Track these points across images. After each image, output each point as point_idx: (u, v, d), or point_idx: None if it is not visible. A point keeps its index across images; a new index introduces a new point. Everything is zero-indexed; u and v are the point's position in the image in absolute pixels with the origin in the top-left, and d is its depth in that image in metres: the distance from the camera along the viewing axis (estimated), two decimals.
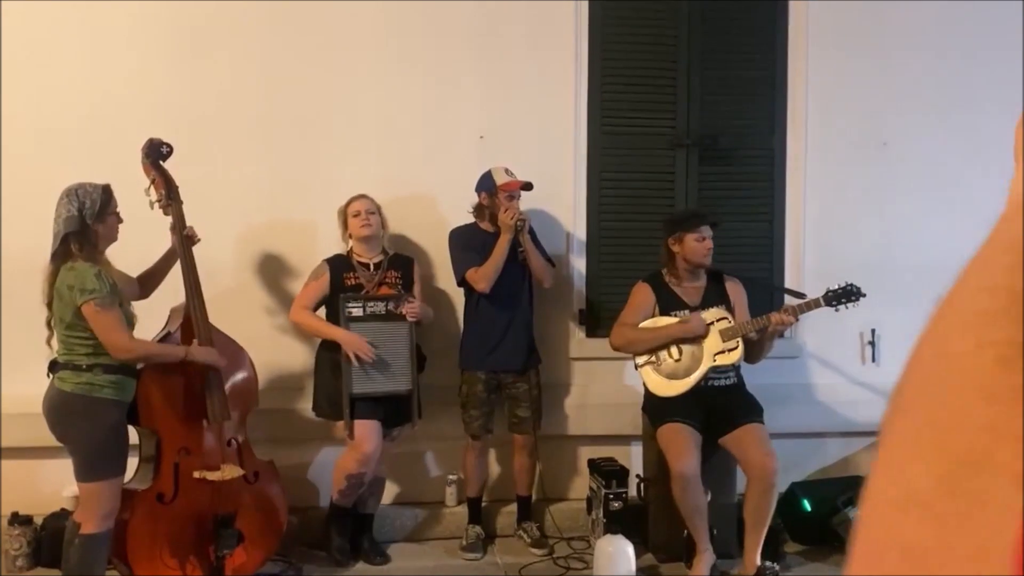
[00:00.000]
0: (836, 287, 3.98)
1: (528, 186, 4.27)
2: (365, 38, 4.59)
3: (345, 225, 4.22)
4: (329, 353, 4.11)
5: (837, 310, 3.99)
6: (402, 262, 4.31)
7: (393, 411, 4.14)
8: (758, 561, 3.94)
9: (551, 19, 4.71)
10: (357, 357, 3.96)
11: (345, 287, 4.11)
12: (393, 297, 4.13)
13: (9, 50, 4.28)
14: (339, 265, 4.17)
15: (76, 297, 3.24)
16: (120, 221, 3.48)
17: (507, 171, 4.27)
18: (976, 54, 5.01)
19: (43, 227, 3.39)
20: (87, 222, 3.32)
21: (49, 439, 3.41)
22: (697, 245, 4.10)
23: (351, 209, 4.19)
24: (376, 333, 4.05)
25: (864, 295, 3.98)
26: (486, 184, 4.29)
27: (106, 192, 3.40)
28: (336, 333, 4.02)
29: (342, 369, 3.99)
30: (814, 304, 3.99)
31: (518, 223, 4.16)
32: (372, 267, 4.20)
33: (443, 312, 4.61)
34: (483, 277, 4.18)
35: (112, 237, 3.46)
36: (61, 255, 3.32)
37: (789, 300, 4.28)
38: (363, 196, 4.22)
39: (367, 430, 4.03)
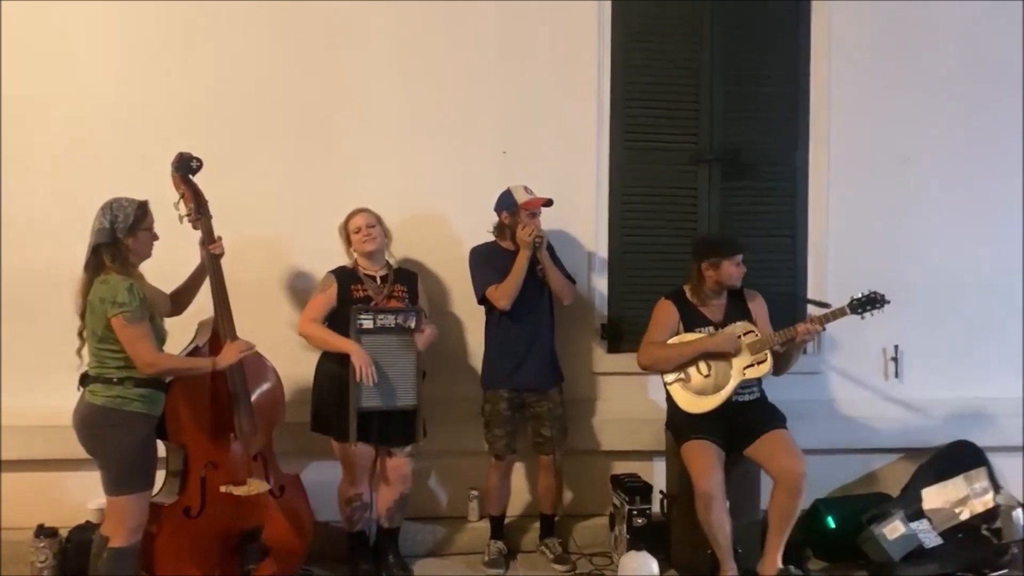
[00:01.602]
0: (860, 295, 4.00)
1: (549, 203, 4.27)
2: (386, 54, 4.62)
3: (348, 241, 4.20)
4: (334, 368, 4.08)
5: (863, 317, 3.99)
6: (407, 276, 4.30)
7: (399, 428, 4.12)
8: (779, 563, 3.92)
9: (573, 35, 4.74)
10: (363, 374, 3.94)
11: (354, 299, 4.09)
12: (402, 310, 4.12)
13: (41, 60, 4.36)
14: (346, 277, 4.16)
15: (107, 310, 3.26)
16: (155, 238, 3.49)
17: (526, 189, 4.28)
18: (998, 71, 5.02)
19: (74, 240, 3.42)
20: (118, 236, 3.34)
21: (76, 451, 3.41)
22: (734, 270, 4.11)
23: (351, 225, 4.18)
24: (385, 346, 4.05)
25: (888, 302, 3.99)
26: (507, 203, 4.29)
27: (141, 208, 3.42)
28: (345, 345, 4.00)
29: (350, 384, 3.97)
30: (839, 312, 3.99)
31: (536, 240, 4.17)
32: (379, 280, 4.19)
33: (462, 327, 4.62)
34: (503, 295, 4.18)
35: (145, 253, 3.48)
36: (94, 267, 3.35)
37: (813, 311, 4.27)
38: (362, 210, 4.20)
39: (357, 452, 4.06)
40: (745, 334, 4.04)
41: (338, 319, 4.09)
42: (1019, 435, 4.86)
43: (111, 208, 3.36)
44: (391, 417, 4.08)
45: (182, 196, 3.68)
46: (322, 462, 4.39)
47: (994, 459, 4.65)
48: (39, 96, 4.39)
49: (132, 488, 3.34)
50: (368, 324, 4.04)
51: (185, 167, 3.68)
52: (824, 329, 4.02)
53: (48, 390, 3.86)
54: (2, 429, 4.25)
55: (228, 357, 3.55)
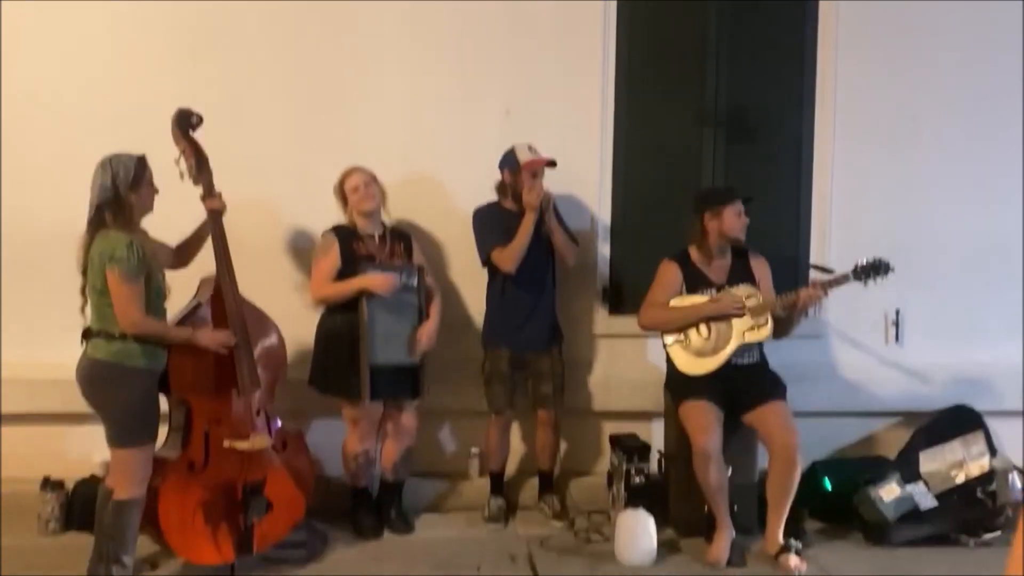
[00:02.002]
0: (864, 261, 3.96)
1: (552, 163, 4.24)
2: (390, 11, 4.57)
3: (344, 201, 4.17)
4: (336, 325, 4.07)
5: (866, 284, 3.96)
6: (402, 235, 4.30)
7: (405, 384, 4.16)
8: (780, 539, 3.97)
9: None
10: (375, 328, 3.96)
11: (358, 256, 4.08)
12: (406, 268, 4.13)
13: (38, 21, 4.34)
14: (346, 235, 4.13)
15: (105, 263, 3.28)
16: (155, 192, 3.50)
17: (530, 148, 4.24)
18: (1004, 35, 4.96)
19: (76, 196, 3.42)
20: (120, 192, 3.35)
21: (79, 405, 3.46)
22: (735, 219, 4.07)
23: (348, 185, 4.14)
24: (392, 304, 4.07)
25: (893, 269, 3.95)
26: (509, 162, 4.26)
27: (140, 162, 3.42)
28: (359, 281, 3.97)
29: (361, 342, 3.98)
30: (843, 279, 3.97)
31: (543, 202, 4.15)
32: (377, 238, 4.18)
33: (464, 288, 4.63)
34: (509, 258, 4.18)
35: (147, 207, 3.49)
36: (96, 223, 3.36)
37: (817, 276, 4.27)
38: (357, 168, 4.17)
39: (366, 409, 4.10)
40: (747, 297, 4.04)
41: (342, 277, 4.07)
42: (1017, 400, 4.88)
43: (111, 164, 3.36)
44: (398, 373, 4.12)
45: (182, 152, 3.67)
46: (325, 419, 4.44)
47: (992, 423, 4.67)
48: (39, 52, 4.37)
49: (135, 441, 3.38)
50: None
51: (185, 122, 3.67)
52: (827, 295, 4.01)
53: (52, 344, 3.89)
54: (4, 383, 4.29)
55: (207, 338, 3.54)
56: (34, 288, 4.32)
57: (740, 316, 4.01)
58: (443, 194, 4.63)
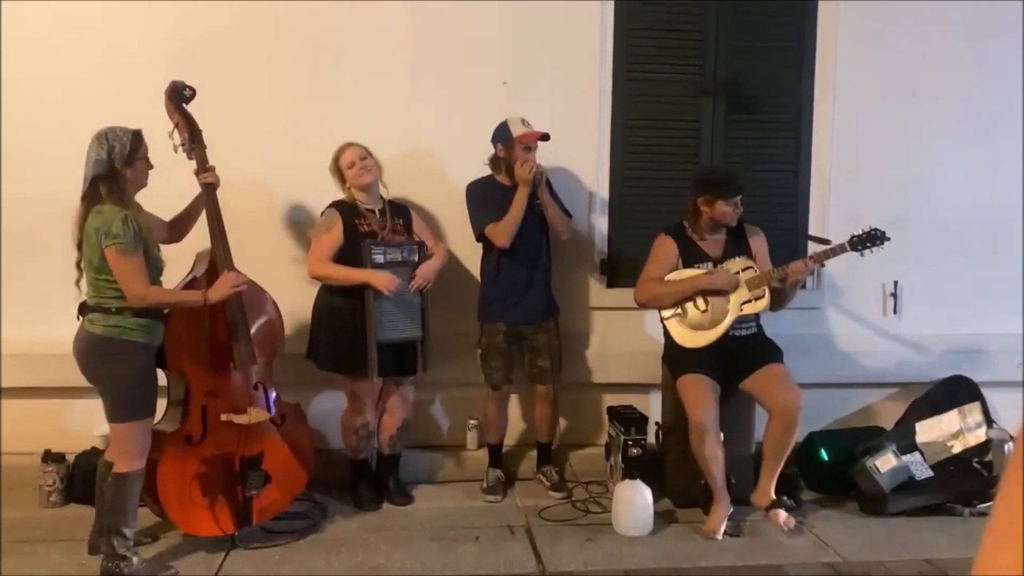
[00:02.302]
0: (860, 232, 3.95)
1: (545, 137, 4.21)
2: None
3: (341, 178, 4.15)
4: (336, 302, 4.07)
5: (862, 254, 3.96)
6: (401, 210, 4.29)
7: (407, 359, 4.18)
8: (772, 493, 4.00)
9: None
10: (389, 298, 3.97)
11: (360, 233, 4.08)
12: (407, 244, 4.14)
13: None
14: (348, 212, 4.12)
15: (101, 240, 3.27)
16: (150, 167, 3.49)
17: (523, 121, 4.21)
18: (1007, 9, 4.89)
19: (73, 171, 3.40)
20: (116, 166, 3.34)
21: (78, 379, 3.47)
22: (728, 210, 4.06)
23: (343, 161, 4.12)
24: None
25: (888, 239, 3.95)
26: (502, 135, 4.23)
27: (136, 137, 3.41)
28: (364, 275, 3.99)
29: (367, 319, 3.99)
30: (839, 249, 3.96)
31: (536, 176, 4.14)
32: (378, 214, 4.18)
33: (461, 262, 4.61)
34: (502, 232, 4.17)
35: (141, 182, 3.48)
36: (90, 198, 3.35)
37: (813, 247, 4.26)
38: (350, 144, 4.15)
39: (369, 384, 4.11)
40: (743, 270, 4.03)
41: (343, 254, 4.07)
42: (1015, 370, 4.89)
43: (107, 138, 3.34)
44: (402, 348, 4.14)
45: (176, 125, 3.66)
46: (325, 391, 4.47)
47: (988, 394, 4.68)
48: (37, 26, 4.33)
49: (133, 415, 3.39)
50: (380, 259, 4.06)
51: (179, 96, 3.65)
52: (823, 266, 4.01)
53: (50, 318, 3.90)
54: (4, 358, 4.31)
55: (220, 290, 3.54)
56: (32, 263, 4.32)
57: (735, 291, 4.01)
58: (440, 168, 4.61)
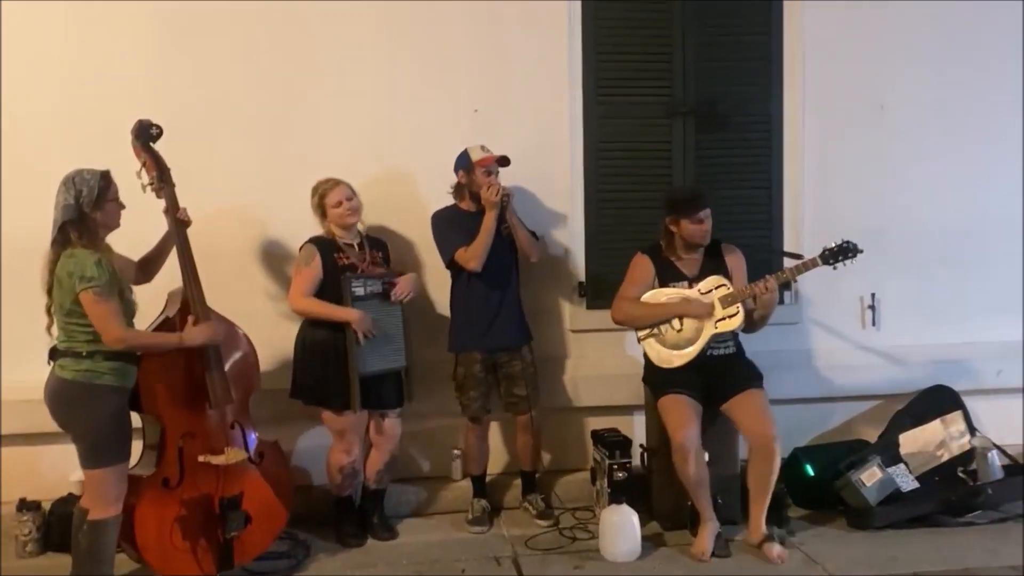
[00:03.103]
0: (833, 245, 3.98)
1: (504, 160, 4.24)
2: (356, 10, 4.53)
3: (323, 214, 4.13)
4: (319, 336, 4.05)
5: (835, 268, 3.98)
6: (378, 243, 4.29)
7: (391, 390, 4.15)
8: (764, 528, 3.97)
9: None
10: (364, 336, 3.96)
11: (340, 267, 4.07)
12: (386, 275, 4.13)
13: (5, 37, 4.27)
14: (327, 246, 4.12)
15: (75, 284, 3.23)
16: (121, 207, 3.44)
17: (483, 148, 4.25)
18: (974, 18, 4.96)
19: (44, 212, 3.35)
20: (84, 210, 3.30)
21: (51, 425, 3.40)
22: (694, 228, 4.07)
23: (331, 200, 4.10)
24: (376, 311, 4.06)
25: (861, 251, 3.97)
26: (463, 162, 4.26)
27: (104, 179, 3.37)
28: (346, 313, 3.98)
29: (348, 352, 3.97)
30: (811, 263, 3.98)
31: (503, 199, 4.14)
32: (356, 247, 4.17)
33: (434, 291, 4.59)
34: (473, 256, 4.16)
35: (112, 224, 3.43)
36: (60, 242, 3.30)
37: (789, 263, 4.27)
38: (338, 183, 4.13)
39: (353, 420, 4.07)
40: (717, 287, 4.04)
41: (324, 288, 4.06)
42: (994, 378, 4.91)
43: (74, 183, 3.30)
44: (385, 380, 4.11)
45: (143, 164, 3.63)
46: (308, 428, 4.42)
47: (970, 403, 4.69)
48: (5, 66, 4.30)
49: (108, 460, 3.33)
50: (360, 291, 4.04)
51: (145, 135, 3.62)
52: (795, 280, 4.02)
53: (20, 365, 3.84)
54: None
55: (195, 336, 3.53)
56: (1, 308, 4.25)
57: (709, 318, 4.02)
58: (413, 196, 4.58)
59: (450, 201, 4.38)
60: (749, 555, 3.94)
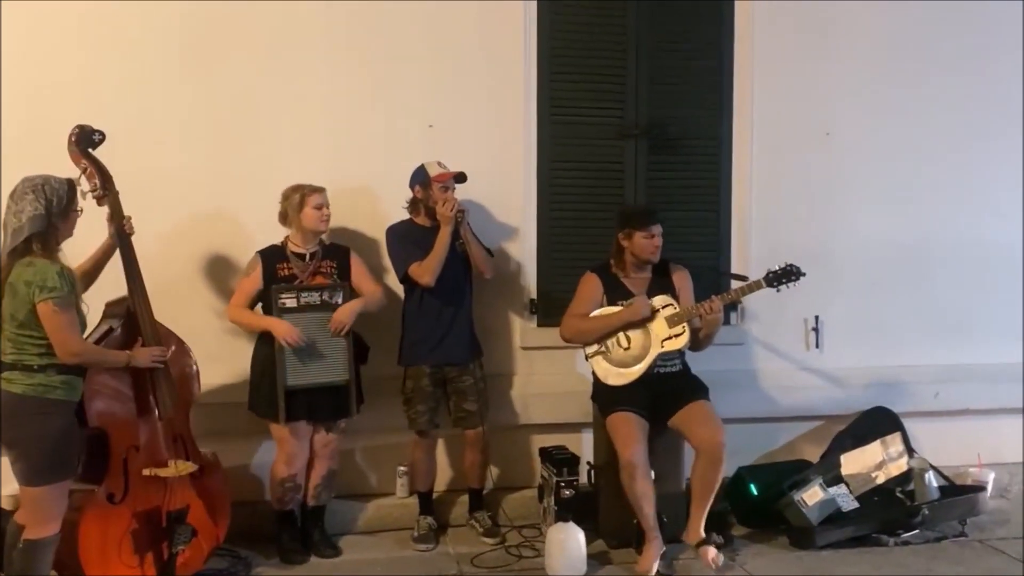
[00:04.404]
0: (776, 268, 4.07)
1: (461, 177, 4.26)
2: (310, 25, 4.52)
3: (297, 210, 4.08)
4: (266, 348, 4.04)
5: (778, 290, 4.06)
6: (338, 252, 4.25)
7: (330, 404, 4.11)
8: (702, 531, 4.02)
9: (500, 9, 4.69)
10: (293, 348, 3.94)
11: (278, 278, 4.05)
12: (328, 287, 4.09)
13: None
14: (272, 256, 4.10)
15: (34, 294, 3.13)
16: (79, 216, 3.38)
17: (440, 164, 4.26)
18: (919, 47, 5.12)
19: None
20: (53, 220, 3.22)
21: None
22: (646, 243, 4.14)
23: (311, 201, 4.08)
24: (311, 323, 4.03)
25: (804, 274, 4.06)
26: (419, 177, 4.27)
27: (71, 187, 3.31)
28: (266, 322, 3.99)
29: (276, 362, 3.96)
30: (755, 285, 4.06)
31: (457, 214, 4.15)
32: (307, 257, 4.14)
33: (388, 305, 4.56)
34: (427, 271, 4.16)
35: (70, 233, 3.35)
36: (21, 252, 3.20)
37: (735, 284, 4.35)
38: (317, 188, 4.13)
39: (291, 431, 4.05)
40: (664, 307, 4.09)
41: (266, 300, 4.05)
42: (931, 400, 5.04)
43: (43, 191, 3.21)
44: (322, 393, 4.07)
45: (84, 171, 3.55)
46: (267, 443, 4.35)
47: (909, 424, 4.80)
48: None
49: (53, 478, 3.22)
50: (291, 303, 4.01)
51: (86, 140, 3.55)
52: (740, 301, 4.09)
53: None
54: None
55: (142, 357, 3.52)
56: None
57: (653, 319, 4.06)
58: (368, 210, 4.57)
59: (405, 216, 4.37)
60: (692, 573, 3.98)
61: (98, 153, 3.62)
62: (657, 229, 4.15)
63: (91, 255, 3.68)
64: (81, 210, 3.39)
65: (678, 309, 4.08)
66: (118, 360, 3.48)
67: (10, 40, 4.21)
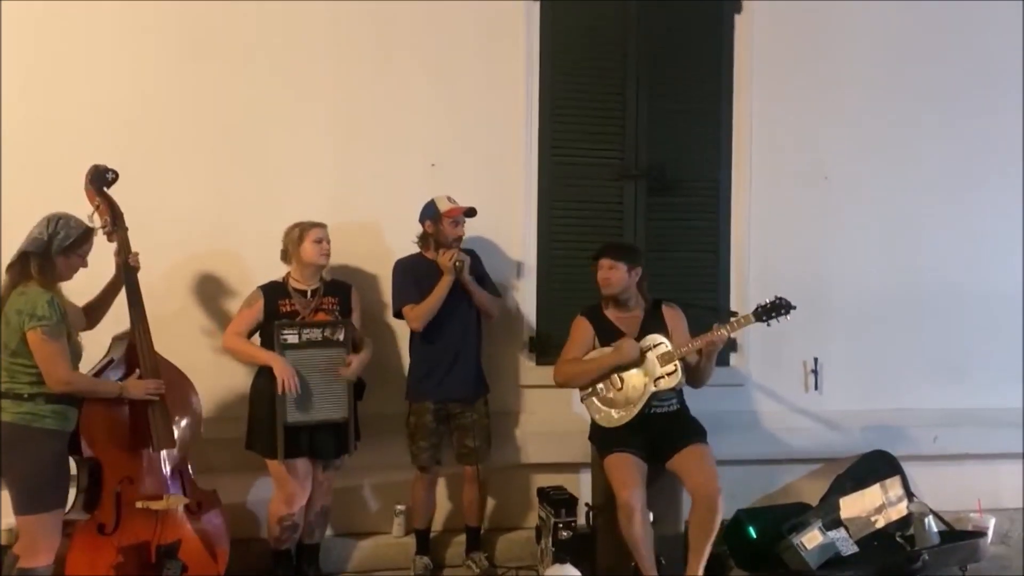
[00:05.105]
0: (766, 302, 4.04)
1: (471, 212, 4.30)
2: (315, 65, 4.60)
3: (297, 245, 4.11)
4: (265, 383, 4.02)
5: (768, 324, 4.03)
6: (340, 288, 4.27)
7: (329, 441, 4.09)
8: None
9: (503, 51, 4.79)
10: (286, 384, 3.93)
11: (280, 314, 4.06)
12: (330, 323, 4.10)
13: None
14: (274, 292, 4.12)
15: (24, 322, 3.17)
16: (84, 265, 3.45)
17: (449, 199, 4.31)
18: (917, 91, 5.20)
19: None
20: (50, 249, 3.29)
21: None
22: (599, 275, 4.20)
23: (313, 235, 4.12)
24: (312, 360, 4.03)
25: (794, 307, 4.01)
26: (429, 212, 4.31)
27: (85, 234, 3.40)
28: (265, 356, 3.98)
29: (275, 399, 3.94)
30: (745, 320, 4.04)
31: (456, 264, 4.18)
32: (309, 294, 4.16)
33: (388, 341, 4.59)
34: (417, 317, 4.20)
35: (68, 276, 3.43)
36: (17, 272, 3.27)
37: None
38: (317, 223, 4.16)
39: (289, 468, 4.02)
40: (656, 346, 4.09)
41: (266, 335, 4.06)
42: (930, 444, 5.02)
43: (56, 222, 3.32)
44: (321, 431, 4.06)
45: (96, 208, 3.63)
46: (264, 479, 4.34)
47: (908, 468, 4.78)
48: None
49: (45, 507, 3.25)
50: (293, 339, 4.01)
51: (100, 179, 3.64)
52: (730, 335, 4.06)
53: None
54: None
55: (136, 389, 3.53)
56: None
57: (643, 361, 4.06)
58: (369, 248, 4.61)
59: (407, 252, 4.41)
60: None
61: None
62: (606, 263, 4.17)
63: (101, 291, 3.73)
64: (86, 263, 3.45)
65: (669, 348, 4.08)
66: (109, 391, 3.48)
67: (12, 76, 4.28)
